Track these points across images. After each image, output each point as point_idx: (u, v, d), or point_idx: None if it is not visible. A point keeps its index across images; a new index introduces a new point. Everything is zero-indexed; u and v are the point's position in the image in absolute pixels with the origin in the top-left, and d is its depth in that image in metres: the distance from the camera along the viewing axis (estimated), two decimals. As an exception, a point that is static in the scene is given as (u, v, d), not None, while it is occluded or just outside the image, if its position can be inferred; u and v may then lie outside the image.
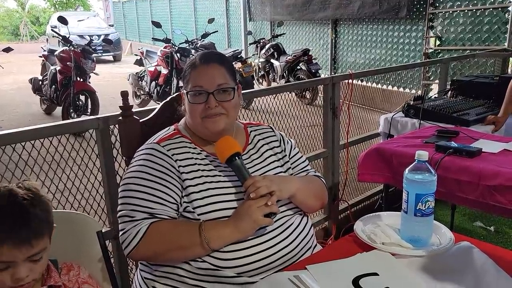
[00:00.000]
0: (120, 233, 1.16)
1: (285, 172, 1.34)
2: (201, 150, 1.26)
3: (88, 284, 1.08)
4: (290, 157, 1.40)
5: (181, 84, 5.61)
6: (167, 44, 6.64)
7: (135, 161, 1.24)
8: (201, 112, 1.23)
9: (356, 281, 1.01)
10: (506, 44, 4.79)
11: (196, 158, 1.23)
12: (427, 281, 1.02)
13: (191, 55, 6.46)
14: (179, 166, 1.20)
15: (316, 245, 1.33)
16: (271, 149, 1.37)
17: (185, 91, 1.26)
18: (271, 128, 1.43)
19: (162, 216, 1.15)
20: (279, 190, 1.17)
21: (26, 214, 0.93)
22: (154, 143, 1.24)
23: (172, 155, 1.21)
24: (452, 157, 1.80)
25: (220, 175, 1.22)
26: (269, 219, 1.14)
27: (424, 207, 1.12)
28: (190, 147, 1.25)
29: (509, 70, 4.36)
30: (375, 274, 1.03)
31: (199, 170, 1.21)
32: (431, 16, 5.75)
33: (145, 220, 1.13)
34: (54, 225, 1.01)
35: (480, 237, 2.69)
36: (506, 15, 4.87)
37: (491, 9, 5.04)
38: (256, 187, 1.14)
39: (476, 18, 5.22)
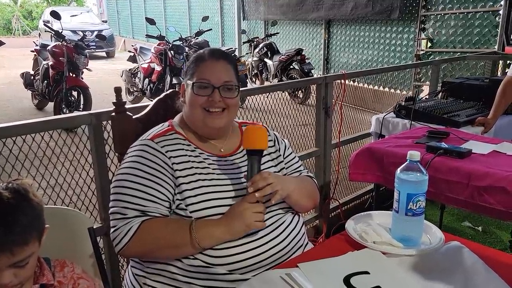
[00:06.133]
0: (111, 230, 1.16)
1: (278, 172, 1.35)
2: (195, 147, 1.26)
3: (84, 279, 1.07)
4: (284, 157, 1.40)
5: (174, 81, 5.58)
6: (161, 41, 6.61)
7: (128, 157, 1.23)
8: (203, 102, 1.23)
9: (347, 280, 1.02)
10: (496, 47, 4.85)
11: (190, 155, 1.23)
12: (417, 280, 1.03)
13: (184, 53, 6.44)
14: (172, 163, 1.20)
15: (307, 243, 1.33)
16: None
17: (189, 82, 1.25)
18: (265, 128, 1.44)
19: (154, 214, 1.15)
20: (281, 189, 1.18)
21: (9, 220, 0.88)
22: (147, 139, 1.24)
23: (166, 152, 1.21)
24: (443, 158, 1.82)
25: (213, 173, 1.23)
26: (261, 223, 1.14)
27: (415, 207, 1.13)
28: (184, 144, 1.25)
29: (499, 73, 4.40)
30: (366, 272, 1.05)
31: (192, 167, 1.21)
32: (423, 18, 5.79)
33: (136, 218, 1.13)
34: (47, 225, 0.98)
35: (468, 237, 2.72)
36: (497, 19, 4.92)
37: (482, 13, 5.10)
38: (265, 184, 1.13)
39: (467, 21, 5.28)
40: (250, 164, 1.18)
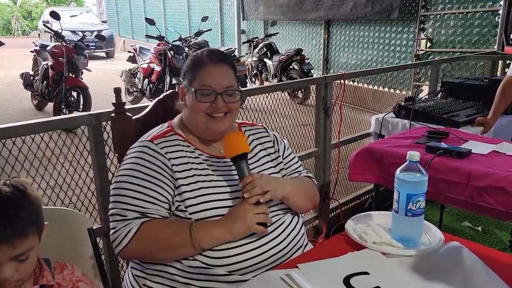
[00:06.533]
0: (111, 231, 1.16)
1: (278, 172, 1.35)
2: (194, 149, 1.26)
3: (83, 282, 1.07)
4: (283, 157, 1.40)
5: (174, 81, 5.55)
6: (161, 42, 6.61)
7: (128, 158, 1.23)
8: (207, 108, 1.22)
9: (347, 280, 1.02)
10: (495, 47, 4.84)
11: (189, 157, 1.23)
12: (417, 281, 1.03)
13: (184, 53, 6.44)
14: (172, 165, 1.19)
15: (307, 243, 1.33)
16: (264, 149, 1.37)
17: (192, 89, 1.23)
18: (265, 128, 1.44)
19: (153, 215, 1.15)
20: (274, 190, 1.18)
21: (8, 213, 0.89)
22: (147, 140, 1.23)
23: (165, 153, 1.21)
24: (442, 158, 1.82)
25: (213, 174, 1.22)
26: (261, 227, 1.14)
27: (415, 207, 1.13)
28: (183, 145, 1.25)
29: (499, 73, 4.40)
30: (366, 273, 1.05)
31: (192, 169, 1.21)
32: (422, 18, 5.79)
33: (136, 220, 1.13)
34: (46, 222, 0.98)
35: (468, 237, 2.72)
36: (496, 19, 4.92)
37: (481, 13, 5.10)
38: (253, 187, 1.14)
39: (466, 21, 5.28)
40: (239, 170, 1.17)
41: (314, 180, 1.44)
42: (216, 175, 1.23)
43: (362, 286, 1.00)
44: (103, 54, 14.41)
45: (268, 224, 1.16)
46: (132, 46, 7.54)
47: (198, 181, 1.19)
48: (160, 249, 1.13)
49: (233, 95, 1.25)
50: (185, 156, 1.23)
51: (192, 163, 1.22)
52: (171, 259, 1.16)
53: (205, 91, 1.22)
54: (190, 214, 1.16)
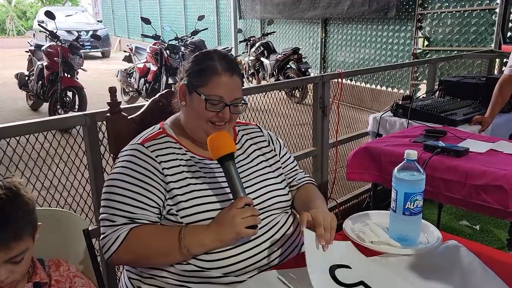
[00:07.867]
0: (101, 237, 1.14)
1: (273, 171, 1.33)
2: (186, 151, 1.24)
3: (79, 277, 1.07)
4: (280, 157, 1.39)
5: (170, 81, 5.50)
6: (156, 41, 6.59)
7: (118, 162, 1.21)
8: (212, 117, 1.20)
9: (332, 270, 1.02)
10: (492, 45, 4.85)
11: (180, 159, 1.21)
12: (415, 280, 1.03)
13: (180, 52, 6.42)
14: (163, 168, 1.17)
15: (303, 243, 1.32)
16: (259, 149, 1.36)
17: (202, 97, 1.18)
18: (258, 127, 1.42)
19: (142, 221, 1.13)
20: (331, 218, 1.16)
21: (3, 215, 0.89)
22: (137, 143, 1.21)
23: (156, 156, 1.18)
24: (440, 157, 1.82)
25: (205, 177, 1.20)
26: (252, 230, 1.09)
27: (413, 206, 1.12)
28: (175, 147, 1.23)
29: (496, 71, 4.41)
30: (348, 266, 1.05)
31: (183, 171, 1.19)
32: (419, 16, 5.79)
33: (125, 226, 1.11)
34: (39, 223, 0.98)
35: (466, 236, 2.72)
36: (493, 17, 4.93)
37: (478, 11, 5.10)
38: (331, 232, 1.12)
39: (463, 19, 5.28)
40: (226, 173, 1.13)
41: (315, 183, 1.43)
42: (208, 177, 1.21)
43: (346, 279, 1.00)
44: (99, 54, 14.37)
45: (258, 226, 1.11)
46: (128, 45, 7.53)
47: (190, 184, 1.17)
48: (150, 256, 1.12)
49: (238, 106, 1.23)
50: (177, 159, 1.20)
51: (183, 165, 1.20)
52: (161, 264, 1.14)
53: (215, 101, 1.19)
54: (181, 217, 1.14)
